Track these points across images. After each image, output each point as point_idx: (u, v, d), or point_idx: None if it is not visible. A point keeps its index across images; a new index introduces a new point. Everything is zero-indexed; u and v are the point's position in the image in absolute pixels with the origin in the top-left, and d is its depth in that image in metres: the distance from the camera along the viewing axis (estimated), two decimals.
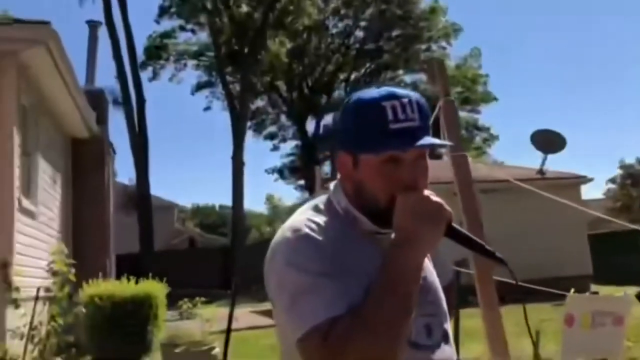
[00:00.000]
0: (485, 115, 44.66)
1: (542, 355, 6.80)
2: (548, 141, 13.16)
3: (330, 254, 1.13)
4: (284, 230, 1.20)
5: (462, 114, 36.44)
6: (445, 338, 1.26)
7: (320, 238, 1.14)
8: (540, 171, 14.17)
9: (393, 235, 1.15)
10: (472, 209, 1.97)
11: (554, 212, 12.11)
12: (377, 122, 1.14)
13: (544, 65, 73.62)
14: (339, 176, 1.27)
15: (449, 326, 1.31)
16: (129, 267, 13.48)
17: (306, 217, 1.20)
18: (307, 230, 1.15)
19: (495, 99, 35.08)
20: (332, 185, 1.29)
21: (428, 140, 1.15)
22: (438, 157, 14.94)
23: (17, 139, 6.77)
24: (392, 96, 1.16)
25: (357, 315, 1.05)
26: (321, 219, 1.19)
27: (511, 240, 12.97)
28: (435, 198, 1.15)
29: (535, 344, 3.80)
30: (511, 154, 72.92)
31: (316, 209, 1.25)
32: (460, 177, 2.04)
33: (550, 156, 13.70)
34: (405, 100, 1.16)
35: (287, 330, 1.13)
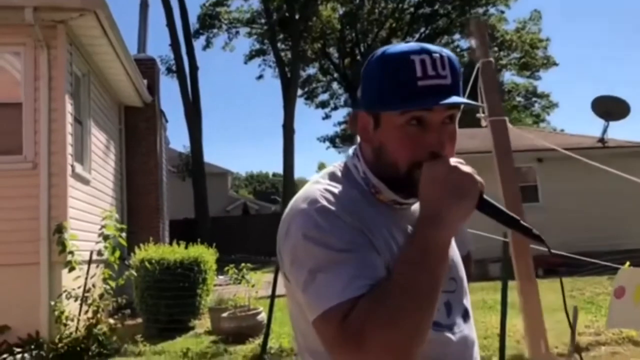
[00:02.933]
0: (546, 82, 42.98)
1: (597, 328, 6.58)
2: (610, 108, 12.51)
3: (349, 227, 1.03)
4: (297, 202, 1.10)
5: (521, 80, 35.16)
6: (465, 316, 1.19)
7: (337, 209, 1.05)
8: (602, 140, 13.54)
9: (417, 207, 1.05)
10: (510, 177, 1.83)
11: (615, 182, 11.56)
12: (404, 77, 1.03)
13: (609, 26, 69.89)
14: (358, 140, 1.17)
15: (468, 302, 1.22)
16: (184, 232, 13.87)
17: (322, 186, 1.11)
18: (323, 201, 1.06)
19: (556, 63, 33.48)
20: (350, 150, 1.20)
21: (458, 99, 1.03)
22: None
23: (69, 107, 6.94)
24: (423, 50, 1.05)
25: (379, 296, 0.96)
26: (338, 188, 1.10)
27: (571, 211, 12.52)
28: (464, 168, 1.03)
29: (571, 319, 3.70)
30: (575, 122, 70.15)
31: (332, 176, 1.16)
32: (498, 143, 1.90)
33: (615, 124, 13.02)
34: (437, 55, 1.04)
35: (303, 308, 1.05)
